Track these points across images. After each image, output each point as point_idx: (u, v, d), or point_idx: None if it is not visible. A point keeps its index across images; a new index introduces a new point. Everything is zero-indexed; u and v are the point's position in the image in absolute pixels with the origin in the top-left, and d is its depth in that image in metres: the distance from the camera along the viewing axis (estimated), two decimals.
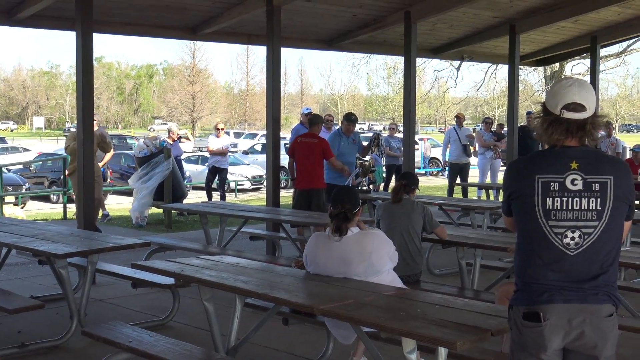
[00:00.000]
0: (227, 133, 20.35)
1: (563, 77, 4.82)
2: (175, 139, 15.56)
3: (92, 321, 6.72)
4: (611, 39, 16.52)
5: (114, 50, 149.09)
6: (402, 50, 12.42)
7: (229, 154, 18.15)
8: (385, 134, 18.27)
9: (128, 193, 15.98)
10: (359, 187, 11.06)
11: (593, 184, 3.21)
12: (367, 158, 11.55)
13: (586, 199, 3.21)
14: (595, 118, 3.29)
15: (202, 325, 6.56)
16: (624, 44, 27.60)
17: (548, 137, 3.31)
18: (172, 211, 13.86)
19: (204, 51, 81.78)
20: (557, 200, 3.22)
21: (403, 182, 6.97)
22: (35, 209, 18.68)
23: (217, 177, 16.83)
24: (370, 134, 14.76)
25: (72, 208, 15.02)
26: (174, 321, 7.15)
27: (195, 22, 11.84)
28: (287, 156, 11.32)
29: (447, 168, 16.60)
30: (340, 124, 11.76)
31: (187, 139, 18.77)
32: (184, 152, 20.46)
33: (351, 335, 5.04)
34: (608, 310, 3.20)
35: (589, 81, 15.48)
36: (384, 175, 17.59)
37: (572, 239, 3.21)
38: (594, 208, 3.20)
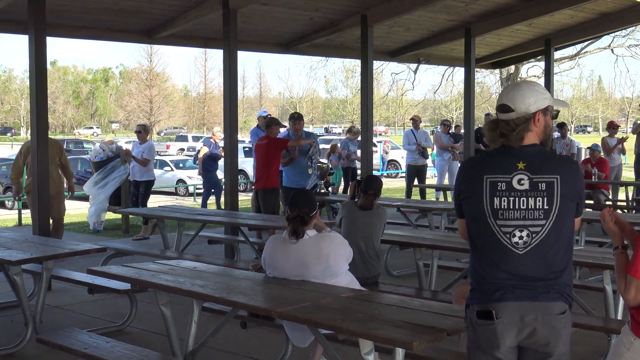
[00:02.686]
0: (185, 137, 20.14)
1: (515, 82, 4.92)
2: (218, 141, 15.18)
3: (48, 328, 6.64)
4: (565, 42, 16.77)
5: (69, 53, 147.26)
6: (359, 54, 12.48)
7: (188, 157, 17.80)
8: (344, 137, 18.35)
9: (85, 198, 15.79)
10: (317, 190, 11.07)
11: (539, 184, 3.26)
12: (325, 160, 11.56)
13: (533, 198, 3.25)
14: (528, 120, 3.32)
15: (160, 330, 6.51)
16: (578, 47, 28.00)
17: (488, 137, 3.41)
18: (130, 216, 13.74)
19: (161, 54, 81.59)
20: (504, 200, 3.27)
21: (370, 192, 6.93)
22: None
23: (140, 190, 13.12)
24: (332, 137, 14.82)
25: (27, 214, 14.79)
26: (132, 327, 7.09)
27: (151, 25, 11.76)
28: (245, 159, 11.39)
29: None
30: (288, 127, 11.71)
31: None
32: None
33: (308, 337, 5.04)
34: (560, 308, 3.25)
35: (543, 83, 15.78)
36: (342, 177, 17.64)
37: (520, 237, 3.25)
38: (540, 207, 3.25)
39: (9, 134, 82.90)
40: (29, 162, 9.76)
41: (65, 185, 11.10)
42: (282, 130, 11.39)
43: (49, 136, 9.97)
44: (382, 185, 7.18)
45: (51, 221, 10.15)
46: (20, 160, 10.78)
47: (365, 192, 6.92)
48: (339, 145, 18.14)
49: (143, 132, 13.12)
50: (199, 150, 15.20)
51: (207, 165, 15.25)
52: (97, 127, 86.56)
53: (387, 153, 33.56)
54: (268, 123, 11.00)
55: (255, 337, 6.59)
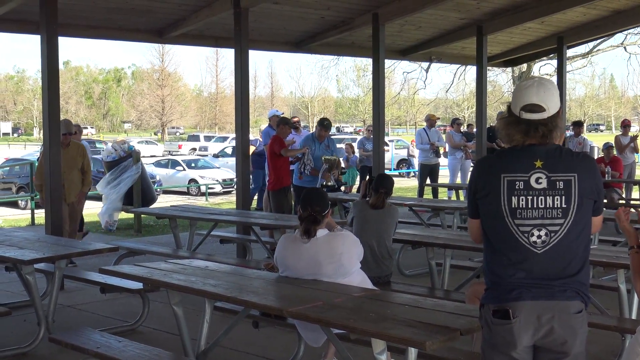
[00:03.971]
0: (197, 137, 20.05)
1: (527, 77, 4.86)
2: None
3: (60, 328, 6.65)
4: (577, 40, 16.68)
5: (82, 54, 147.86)
6: (371, 52, 12.44)
7: (200, 157, 17.77)
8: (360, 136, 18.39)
9: (97, 198, 15.81)
10: (325, 183, 10.98)
11: (557, 182, 3.23)
12: (333, 157, 11.45)
13: (551, 197, 3.23)
14: (556, 119, 3.30)
15: (172, 330, 6.50)
16: (591, 45, 27.88)
17: (508, 137, 3.34)
18: (142, 215, 13.76)
19: (173, 54, 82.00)
20: (522, 199, 3.24)
21: (382, 190, 6.92)
22: (3, 215, 18.44)
23: None
24: (343, 136, 14.79)
25: (40, 214, 14.84)
26: (144, 326, 7.09)
27: (162, 25, 11.76)
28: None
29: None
30: (314, 129, 11.82)
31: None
32: None
33: (320, 337, 5.02)
34: (577, 306, 3.22)
35: (555, 81, 15.70)
36: (359, 176, 17.64)
37: (539, 237, 3.23)
38: (559, 206, 3.22)
39: (15, 134, 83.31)
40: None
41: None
42: (293, 130, 11.47)
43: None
44: (393, 183, 7.16)
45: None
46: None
47: (377, 191, 6.90)
48: (354, 145, 18.15)
49: (78, 132, 11.16)
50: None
51: (256, 163, 15.28)
52: (92, 127, 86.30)
53: (413, 156, 33.27)
54: (278, 123, 11.12)
55: (267, 337, 6.57)
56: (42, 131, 9.73)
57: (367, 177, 9.38)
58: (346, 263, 5.04)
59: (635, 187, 16.20)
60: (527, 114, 3.28)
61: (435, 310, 4.17)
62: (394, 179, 8.89)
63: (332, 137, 15.74)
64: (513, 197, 3.24)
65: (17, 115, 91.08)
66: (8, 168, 24.20)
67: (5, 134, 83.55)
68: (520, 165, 3.27)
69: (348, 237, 5.17)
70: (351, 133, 66.35)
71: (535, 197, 3.23)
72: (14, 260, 6.34)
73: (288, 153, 11.03)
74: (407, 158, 33.38)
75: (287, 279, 5.08)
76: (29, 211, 16.74)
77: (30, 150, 42.37)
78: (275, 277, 5.20)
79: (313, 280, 4.96)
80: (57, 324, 6.77)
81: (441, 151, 16.99)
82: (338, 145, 22.53)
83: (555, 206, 3.22)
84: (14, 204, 21.06)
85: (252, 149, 15.29)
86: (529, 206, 3.23)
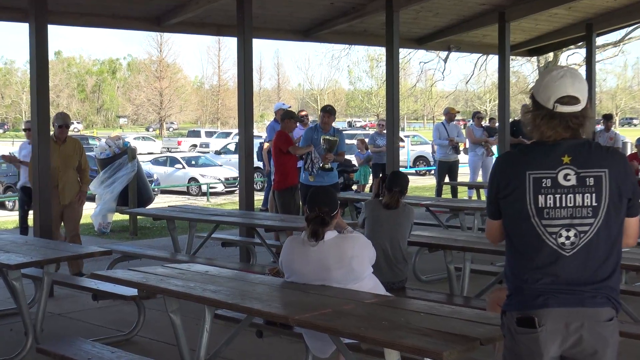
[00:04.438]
0: (198, 133, 20.02)
1: (553, 67, 4.80)
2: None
3: (49, 337, 6.65)
4: (608, 27, 16.59)
5: (74, 43, 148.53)
6: (384, 41, 12.41)
7: (201, 154, 17.81)
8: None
9: (90, 198, 15.85)
10: (323, 165, 10.79)
11: (587, 179, 3.21)
12: (334, 137, 11.16)
13: (580, 194, 3.21)
14: (588, 110, 3.29)
15: (169, 339, 6.50)
16: (622, 32, 27.74)
17: (540, 133, 3.30)
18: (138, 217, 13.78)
19: (172, 44, 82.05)
20: (549, 198, 3.22)
21: (396, 189, 6.91)
22: None
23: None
24: (355, 132, 14.69)
25: (29, 215, 14.88)
26: (139, 336, 7.09)
27: (160, 12, 11.76)
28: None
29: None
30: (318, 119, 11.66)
31: None
32: None
33: (329, 347, 5.01)
34: (608, 314, 3.21)
35: (584, 72, 15.65)
36: (371, 175, 17.64)
37: (567, 238, 3.21)
38: (589, 204, 3.20)
39: (0, 130, 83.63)
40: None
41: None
42: (299, 124, 11.36)
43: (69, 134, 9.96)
44: (408, 182, 7.15)
45: (63, 235, 10.05)
46: None
47: (390, 190, 6.88)
48: (366, 140, 18.12)
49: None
50: (261, 145, 15.12)
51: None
52: (78, 122, 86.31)
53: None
54: (282, 117, 11.04)
55: (272, 347, 6.57)
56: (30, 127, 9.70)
57: (380, 175, 9.31)
58: (357, 267, 5.03)
59: None
60: (562, 106, 3.25)
61: (453, 318, 4.15)
62: (410, 177, 8.87)
63: (344, 132, 15.71)
64: (540, 196, 3.22)
65: (5, 110, 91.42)
66: None
67: None
68: (547, 161, 3.24)
69: (359, 239, 5.15)
70: (360, 128, 66.30)
71: (563, 195, 3.21)
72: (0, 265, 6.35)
73: (297, 152, 10.85)
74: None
75: (293, 285, 5.07)
76: (17, 212, 16.80)
77: (19, 146, 42.46)
78: (280, 283, 5.19)
79: (321, 286, 4.94)
80: (45, 333, 6.78)
81: (461, 147, 16.96)
82: (349, 141, 22.57)
83: (585, 204, 3.20)
84: (0, 205, 21.14)
85: (266, 145, 15.29)
86: (557, 205, 3.21)
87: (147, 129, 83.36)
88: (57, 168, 9.62)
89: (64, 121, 9.80)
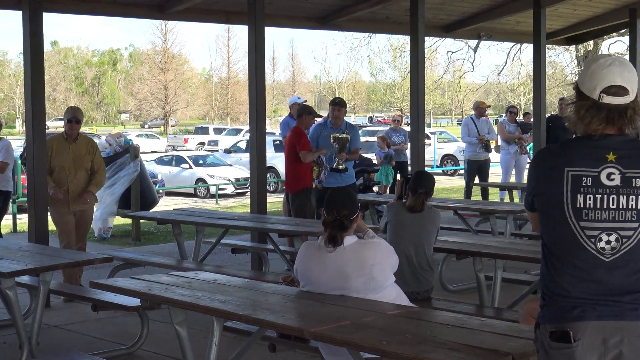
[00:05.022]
0: (206, 130, 20.15)
1: (598, 55, 4.78)
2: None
3: (46, 351, 6.71)
4: None
5: (71, 33, 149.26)
6: (408, 29, 12.40)
7: (209, 153, 17.82)
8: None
9: None
10: (335, 166, 10.74)
11: (633, 179, 3.19)
12: (345, 135, 11.01)
13: (625, 196, 3.19)
14: (638, 103, 3.28)
15: (174, 353, 6.54)
16: None
17: (585, 126, 3.28)
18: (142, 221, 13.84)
19: (177, 33, 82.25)
20: (589, 198, 3.20)
21: (421, 191, 6.91)
22: None
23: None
24: (377, 128, 14.62)
25: (22, 219, 14.98)
26: (142, 349, 7.13)
27: None
28: (275, 154, 11.35)
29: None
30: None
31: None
32: None
33: None
34: None
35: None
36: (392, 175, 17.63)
37: (608, 242, 3.19)
38: (633, 207, 3.18)
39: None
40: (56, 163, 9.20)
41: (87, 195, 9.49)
42: (318, 120, 11.26)
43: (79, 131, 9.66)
44: (434, 182, 7.15)
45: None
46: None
47: (415, 191, 6.88)
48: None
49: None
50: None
51: None
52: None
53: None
54: (299, 112, 10.89)
55: None
56: (25, 123, 9.78)
57: (399, 175, 9.20)
58: (378, 276, 5.03)
59: None
60: (609, 97, 3.24)
61: (482, 331, 4.16)
62: (437, 177, 8.87)
63: (364, 128, 15.62)
64: (578, 196, 3.21)
65: None
66: None
67: None
68: (589, 158, 3.23)
69: (380, 245, 5.16)
70: (373, 123, 66.00)
71: (605, 196, 3.19)
72: None
73: (307, 158, 10.51)
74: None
75: (309, 295, 5.09)
76: (11, 216, 16.91)
77: (13, 145, 42.71)
78: (295, 293, 5.21)
79: (339, 296, 4.96)
80: (41, 346, 6.83)
81: (492, 145, 16.92)
82: (370, 139, 22.51)
83: (630, 207, 3.18)
84: None
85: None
86: (598, 206, 3.19)
87: (143, 126, 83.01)
88: (67, 169, 9.35)
89: (73, 115, 9.44)
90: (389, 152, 17.87)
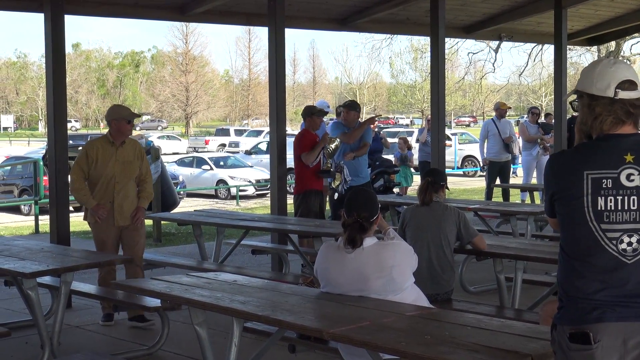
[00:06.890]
0: (227, 131, 20.15)
1: (595, 60, 4.75)
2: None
3: (67, 351, 6.73)
4: None
5: (93, 35, 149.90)
6: (429, 30, 12.38)
7: (230, 154, 17.81)
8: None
9: None
10: (323, 168, 10.65)
11: None
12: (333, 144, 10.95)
13: None
14: None
15: (194, 354, 6.56)
16: None
17: (600, 124, 3.28)
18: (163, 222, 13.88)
19: (198, 35, 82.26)
20: (610, 200, 3.19)
21: (429, 179, 6.93)
22: (3, 222, 18.77)
23: None
24: (398, 129, 14.59)
25: (44, 220, 15.08)
26: (163, 350, 7.14)
27: None
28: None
29: (485, 167, 16.47)
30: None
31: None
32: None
33: None
34: None
35: None
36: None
37: (629, 244, 3.18)
38: None
39: (9, 129, 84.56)
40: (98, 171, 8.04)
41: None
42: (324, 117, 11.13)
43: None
44: (442, 173, 7.23)
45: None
46: (85, 164, 8.07)
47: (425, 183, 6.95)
48: (409, 139, 18.06)
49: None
50: None
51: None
52: (76, 121, 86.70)
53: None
54: (304, 113, 10.85)
55: None
56: (47, 125, 9.83)
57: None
58: (398, 277, 5.02)
59: None
60: (624, 92, 3.25)
61: (502, 333, 4.15)
62: (458, 179, 8.83)
63: (385, 129, 15.61)
64: (599, 198, 3.20)
65: (20, 107, 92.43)
66: (9, 168, 24.51)
67: (5, 129, 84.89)
68: (608, 160, 3.22)
69: (400, 246, 5.15)
70: (407, 125, 65.96)
71: (626, 197, 3.19)
72: (14, 273, 6.43)
73: (309, 158, 10.32)
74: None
75: (328, 296, 5.09)
76: (33, 217, 17.02)
77: (35, 146, 43.04)
78: (314, 294, 5.21)
79: (358, 297, 4.95)
80: (62, 347, 6.86)
81: (514, 146, 16.86)
82: (391, 140, 22.52)
83: None
84: (16, 209, 21.40)
85: None
86: (619, 208, 3.19)
87: (157, 127, 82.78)
88: (114, 178, 8.07)
89: (129, 113, 8.31)
90: (408, 153, 17.87)
